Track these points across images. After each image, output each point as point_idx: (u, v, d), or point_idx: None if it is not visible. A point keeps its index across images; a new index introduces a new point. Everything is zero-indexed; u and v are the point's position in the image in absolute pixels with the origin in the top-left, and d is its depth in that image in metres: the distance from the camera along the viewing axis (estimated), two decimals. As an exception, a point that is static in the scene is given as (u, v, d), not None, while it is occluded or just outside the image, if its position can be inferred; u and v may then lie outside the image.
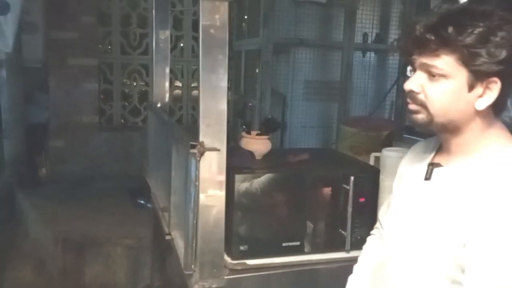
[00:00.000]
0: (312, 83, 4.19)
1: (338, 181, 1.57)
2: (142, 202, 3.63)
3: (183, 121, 5.24)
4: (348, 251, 1.56)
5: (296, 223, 1.58)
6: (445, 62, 0.93)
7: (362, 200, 1.56)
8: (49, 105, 4.61)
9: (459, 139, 1.00)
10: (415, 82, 0.98)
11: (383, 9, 4.40)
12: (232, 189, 1.45)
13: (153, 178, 2.40)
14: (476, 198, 0.91)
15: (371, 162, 1.84)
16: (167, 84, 2.48)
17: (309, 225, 1.58)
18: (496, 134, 0.99)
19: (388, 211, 1.19)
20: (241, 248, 1.49)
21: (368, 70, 4.31)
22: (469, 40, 0.90)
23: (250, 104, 4.13)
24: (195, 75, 5.19)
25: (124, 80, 5.16)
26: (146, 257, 3.03)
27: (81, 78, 4.63)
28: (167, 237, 1.72)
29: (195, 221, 1.37)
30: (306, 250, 1.57)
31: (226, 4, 1.34)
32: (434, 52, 0.93)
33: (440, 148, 1.09)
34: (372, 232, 1.35)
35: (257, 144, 1.72)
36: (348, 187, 1.54)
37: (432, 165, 1.05)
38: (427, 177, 1.05)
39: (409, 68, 1.02)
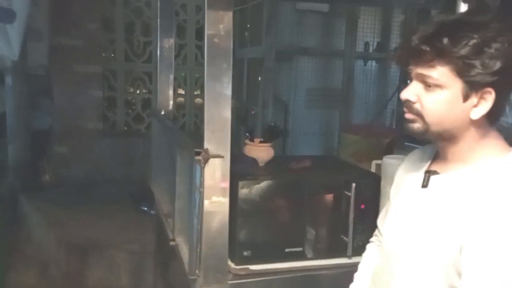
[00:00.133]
0: (314, 90, 4.23)
1: (339, 188, 1.59)
2: (145, 208, 3.64)
3: (186, 128, 5.27)
4: (350, 257, 1.58)
5: (299, 229, 1.60)
6: (440, 73, 0.95)
7: (363, 206, 1.58)
8: (53, 111, 4.65)
9: (455, 147, 1.02)
10: (411, 91, 1.00)
11: (384, 18, 4.44)
12: (235, 196, 1.47)
13: (156, 184, 2.42)
14: (473, 204, 0.93)
15: (373, 169, 1.86)
16: (171, 91, 2.50)
17: (311, 231, 1.60)
18: (491, 143, 1.00)
19: (386, 219, 1.20)
20: (245, 253, 1.51)
21: (369, 78, 4.35)
22: (463, 51, 0.91)
23: (252, 111, 4.15)
24: (198, 83, 5.22)
25: (127, 87, 5.20)
26: (149, 262, 3.04)
27: (85, 85, 4.66)
28: (172, 243, 1.74)
29: (199, 227, 1.39)
30: (308, 255, 1.59)
31: (230, 14, 1.37)
32: (429, 63, 0.95)
33: (436, 156, 1.11)
34: (371, 239, 1.36)
35: (260, 152, 1.75)
36: (349, 193, 1.56)
37: (429, 173, 1.07)
38: (424, 185, 1.06)
39: None
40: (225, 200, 1.40)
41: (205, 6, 1.35)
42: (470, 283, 0.91)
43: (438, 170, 1.06)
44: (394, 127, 4.03)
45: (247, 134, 1.84)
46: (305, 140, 4.21)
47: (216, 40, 1.36)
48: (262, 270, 1.52)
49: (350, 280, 1.31)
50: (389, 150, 2.20)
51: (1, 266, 3.35)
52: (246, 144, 1.78)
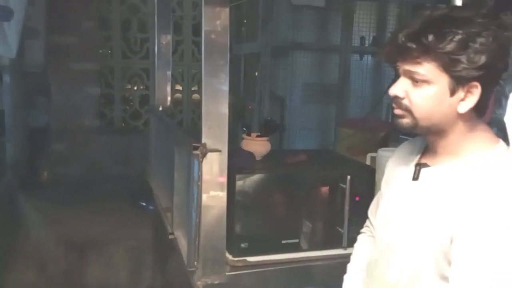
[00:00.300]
0: (310, 85, 4.25)
1: (335, 181, 1.62)
2: (144, 204, 3.66)
3: (184, 124, 5.29)
4: (345, 248, 1.61)
5: (295, 221, 1.63)
6: (427, 69, 0.97)
7: (358, 198, 1.61)
8: (50, 109, 4.66)
9: (444, 141, 1.04)
10: (400, 87, 1.02)
11: (380, 13, 4.46)
12: (233, 189, 1.50)
13: (155, 180, 2.44)
14: (463, 196, 0.95)
15: (368, 162, 1.89)
16: (168, 87, 2.52)
17: (307, 223, 1.63)
18: (479, 136, 1.03)
19: (377, 211, 1.22)
20: (242, 245, 1.54)
21: (365, 72, 4.37)
22: (449, 47, 0.93)
23: (249, 106, 4.18)
24: (195, 78, 5.24)
25: (125, 84, 5.21)
26: (148, 257, 3.07)
27: (82, 82, 4.67)
28: (170, 237, 1.76)
29: (197, 220, 1.42)
30: (304, 247, 1.62)
31: (227, 10, 1.38)
32: (416, 59, 0.97)
33: (426, 149, 1.13)
34: (362, 230, 1.37)
35: (257, 146, 1.78)
36: (344, 186, 1.59)
37: (420, 166, 1.09)
38: (415, 177, 1.08)
39: None
40: (222, 194, 1.43)
41: (202, 2, 1.37)
42: (459, 271, 0.93)
43: (428, 163, 1.08)
44: (389, 120, 4.05)
45: (244, 129, 1.87)
46: (302, 135, 4.24)
47: (213, 36, 1.38)
48: (259, 261, 1.54)
49: (345, 270, 1.34)
50: (384, 143, 2.23)
51: (0, 264, 3.37)
52: (243, 138, 1.80)
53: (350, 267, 1.33)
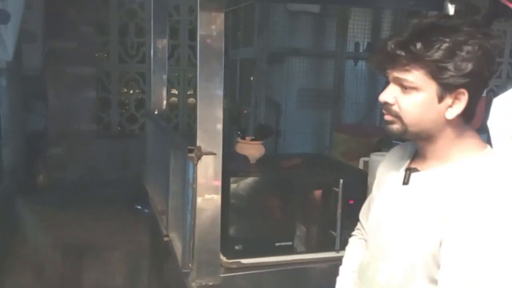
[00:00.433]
0: (306, 91, 4.28)
1: (328, 185, 1.64)
2: (139, 207, 3.67)
3: (179, 128, 5.31)
4: (338, 251, 1.63)
5: (288, 224, 1.65)
6: (416, 76, 0.99)
7: (351, 202, 1.63)
8: (47, 113, 4.67)
9: (433, 146, 1.06)
10: (389, 94, 1.04)
11: (374, 19, 4.50)
12: (227, 192, 1.52)
13: (151, 183, 2.46)
14: (452, 200, 0.98)
15: (360, 166, 1.91)
16: (164, 91, 2.54)
17: (301, 226, 1.65)
18: (467, 141, 1.05)
19: (369, 215, 1.24)
20: (236, 247, 1.56)
21: (359, 78, 4.40)
22: (436, 55, 0.96)
23: (245, 111, 4.20)
24: (191, 83, 5.26)
25: (121, 88, 5.22)
26: (143, 259, 3.08)
27: (79, 86, 4.68)
28: (165, 239, 1.78)
29: (192, 222, 1.44)
30: (298, 249, 1.64)
31: (222, 15, 1.41)
32: (404, 67, 0.99)
33: (416, 153, 1.15)
34: (353, 233, 1.39)
35: (251, 149, 1.80)
36: (337, 190, 1.62)
37: (410, 170, 1.11)
38: (405, 182, 1.10)
39: None
40: (217, 197, 1.45)
41: (198, 7, 1.39)
42: (447, 274, 0.95)
43: (418, 168, 1.10)
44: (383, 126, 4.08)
45: (239, 133, 1.89)
46: (297, 140, 4.26)
47: (208, 41, 1.40)
48: (253, 263, 1.56)
49: (338, 273, 1.35)
50: (378, 148, 2.25)
51: (-3, 268, 3.37)
52: (238, 142, 1.83)
53: (342, 269, 1.35)
